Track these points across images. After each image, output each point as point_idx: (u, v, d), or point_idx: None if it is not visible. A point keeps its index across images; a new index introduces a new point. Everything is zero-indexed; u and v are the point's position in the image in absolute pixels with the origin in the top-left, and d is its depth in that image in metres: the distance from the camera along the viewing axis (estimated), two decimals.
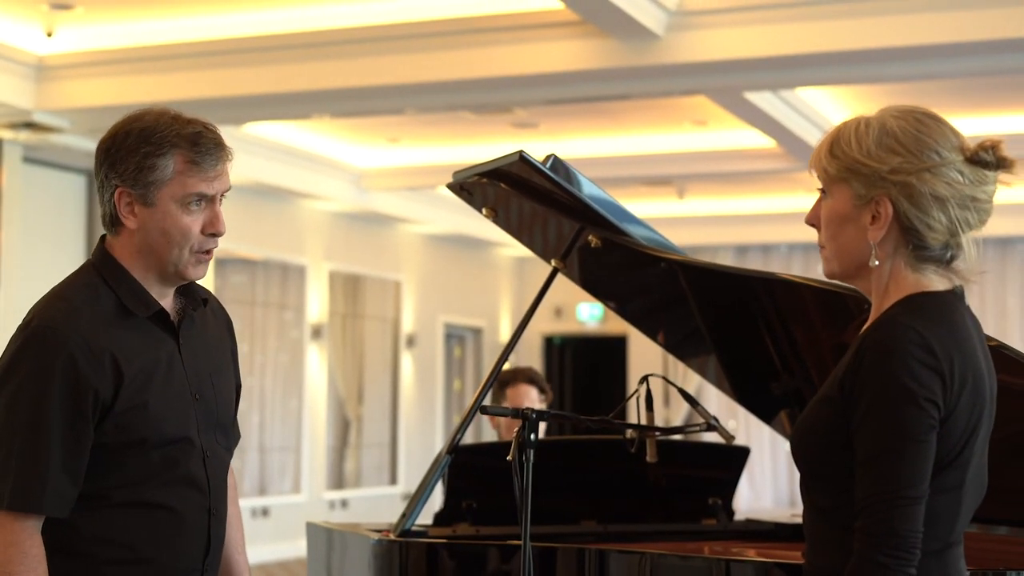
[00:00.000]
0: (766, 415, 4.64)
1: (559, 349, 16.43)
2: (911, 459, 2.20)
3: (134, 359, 2.65)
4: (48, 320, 2.62)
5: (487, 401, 4.30)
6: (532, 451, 3.30)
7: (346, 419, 13.72)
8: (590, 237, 3.90)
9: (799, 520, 4.90)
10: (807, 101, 10.22)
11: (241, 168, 11.14)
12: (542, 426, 5.04)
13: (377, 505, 13.49)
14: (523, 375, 5.02)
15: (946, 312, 2.32)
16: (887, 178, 2.31)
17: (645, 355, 15.22)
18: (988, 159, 2.32)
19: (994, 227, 2.46)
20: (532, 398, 5.09)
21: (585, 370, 16.20)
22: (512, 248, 15.76)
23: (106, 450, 2.61)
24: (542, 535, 3.86)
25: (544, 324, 16.30)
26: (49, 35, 8.83)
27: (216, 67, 9.09)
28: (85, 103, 9.32)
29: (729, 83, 8.78)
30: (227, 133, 9.86)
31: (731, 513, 4.62)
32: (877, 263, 2.35)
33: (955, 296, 2.36)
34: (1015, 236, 14.67)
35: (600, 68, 8.39)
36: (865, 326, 2.39)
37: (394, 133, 11.77)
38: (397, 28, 8.51)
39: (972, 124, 10.61)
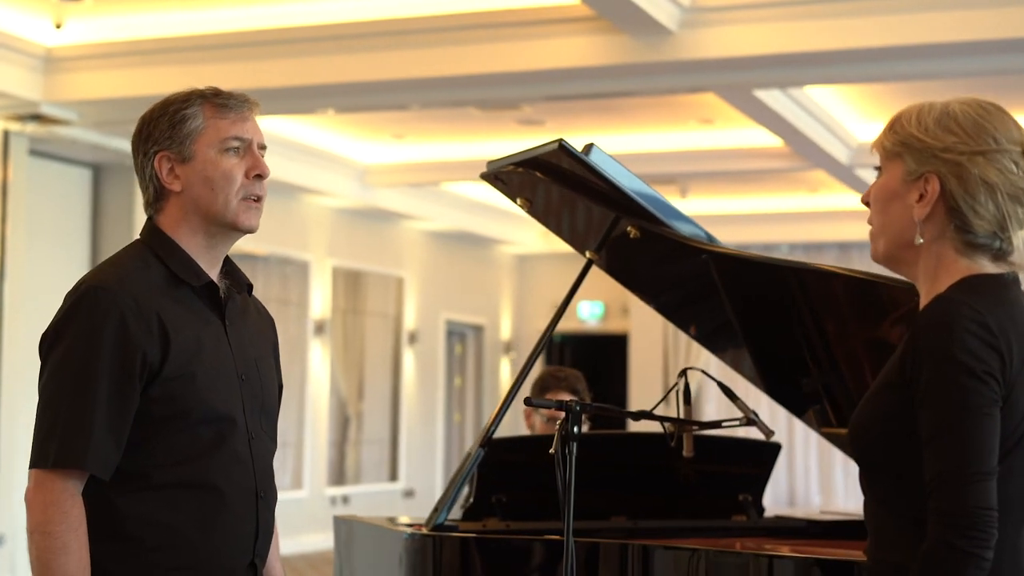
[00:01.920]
0: (797, 409, 4.61)
1: (559, 347, 16.39)
2: (977, 433, 2.15)
3: (183, 328, 2.64)
4: (99, 281, 2.62)
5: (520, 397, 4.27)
6: (575, 444, 3.27)
7: (347, 415, 13.69)
8: (629, 228, 3.86)
9: (829, 517, 4.90)
10: (816, 100, 10.19)
11: None
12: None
13: (378, 501, 13.45)
14: (566, 384, 4.91)
15: (1002, 292, 2.29)
16: (939, 156, 2.30)
17: (646, 353, 15.21)
18: None
19: None
20: None
21: (585, 368, 16.01)
22: (514, 246, 15.74)
23: (151, 422, 2.59)
24: (575, 530, 3.82)
25: (544, 321, 16.20)
26: (58, 27, 8.76)
27: (222, 61, 9.03)
28: (93, 95, 9.26)
29: (740, 80, 8.73)
30: None
31: (761, 509, 4.58)
32: (922, 240, 2.32)
33: (1010, 279, 2.32)
34: None
35: (612, 64, 8.35)
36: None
37: (399, 129, 11.72)
38: (405, 23, 8.46)
39: None
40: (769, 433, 3.81)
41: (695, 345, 15.09)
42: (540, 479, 4.31)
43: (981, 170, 2.28)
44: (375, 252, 13.75)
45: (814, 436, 12.76)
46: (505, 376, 16.05)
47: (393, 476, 14.30)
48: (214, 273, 2.76)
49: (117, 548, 2.59)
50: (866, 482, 2.35)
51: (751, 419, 3.75)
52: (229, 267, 2.82)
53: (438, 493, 14.93)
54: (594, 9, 7.80)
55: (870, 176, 12.02)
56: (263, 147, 2.77)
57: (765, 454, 4.60)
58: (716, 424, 3.80)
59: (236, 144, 2.70)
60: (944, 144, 2.30)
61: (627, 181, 3.78)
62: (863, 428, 2.34)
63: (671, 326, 15.64)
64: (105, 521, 2.57)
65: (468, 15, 8.31)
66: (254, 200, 2.72)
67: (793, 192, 13.98)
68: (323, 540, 11.88)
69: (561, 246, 16.01)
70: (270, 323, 2.96)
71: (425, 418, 14.73)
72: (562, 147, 3.62)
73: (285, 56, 8.88)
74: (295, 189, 12.19)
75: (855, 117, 10.79)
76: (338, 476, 13.45)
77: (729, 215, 15.11)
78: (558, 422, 3.26)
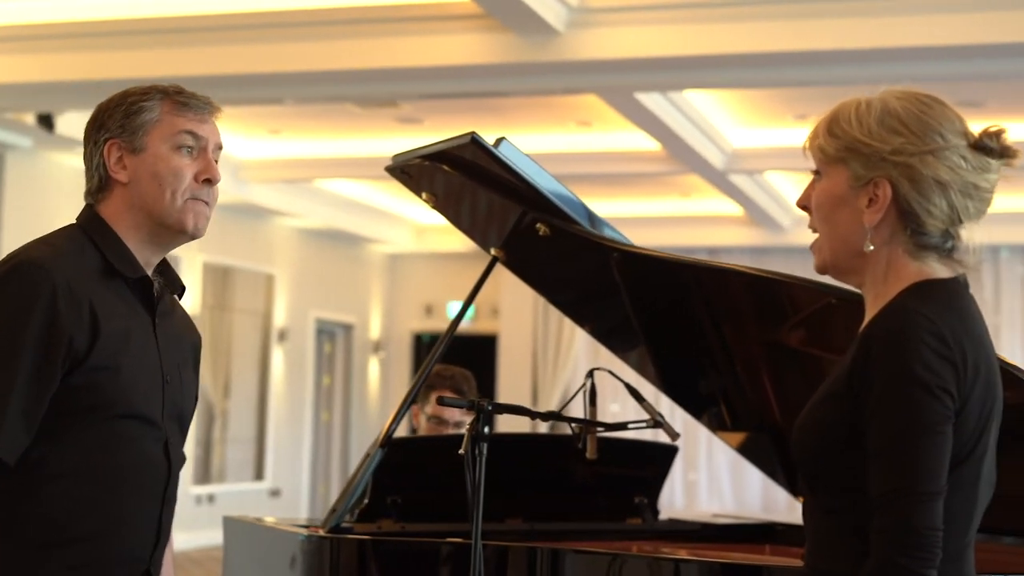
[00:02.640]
0: (695, 410, 4.60)
1: (428, 347, 16.30)
2: (928, 452, 2.08)
3: (113, 319, 2.52)
4: (32, 258, 2.49)
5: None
6: (485, 445, 3.20)
7: (212, 413, 13.46)
8: (539, 225, 3.80)
9: (722, 521, 4.89)
10: (694, 104, 10.25)
11: None
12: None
13: (243, 501, 13.23)
14: (451, 383, 4.86)
15: (955, 300, 2.22)
16: (888, 159, 2.21)
17: (515, 354, 15.20)
18: (992, 146, 2.23)
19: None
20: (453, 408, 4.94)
21: None
22: (385, 245, 15.62)
23: (68, 411, 2.46)
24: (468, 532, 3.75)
25: (413, 321, 16.18)
26: None
27: (91, 49, 8.82)
28: None
29: (623, 82, 8.74)
30: None
31: (656, 512, 4.56)
32: (872, 248, 2.24)
33: (961, 284, 2.26)
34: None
35: (498, 63, 8.30)
36: (865, 319, 2.31)
37: (275, 124, 11.54)
38: (286, 16, 8.32)
39: None
40: (675, 435, 3.78)
41: (564, 347, 15.20)
42: (435, 480, 4.25)
43: (932, 170, 2.20)
44: (246, 248, 13.53)
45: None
46: (374, 376, 15.92)
47: (259, 475, 14.09)
48: (149, 270, 2.66)
49: (3, 545, 2.45)
50: (808, 490, 2.28)
51: (657, 421, 3.72)
52: (163, 267, 2.72)
53: (305, 493, 14.77)
54: (483, 7, 7.73)
55: (743, 181, 12.16)
56: (219, 147, 2.68)
57: (661, 456, 4.58)
58: (622, 426, 3.76)
59: (190, 143, 2.62)
60: (892, 146, 2.21)
61: (539, 177, 3.72)
62: (806, 437, 2.26)
63: (540, 327, 15.73)
64: None
65: (356, 9, 8.20)
66: (202, 204, 2.63)
67: (665, 196, 14.05)
68: (188, 539, 11.65)
69: (433, 246, 15.89)
70: (194, 331, 2.86)
71: (293, 417, 14.55)
72: (474, 141, 3.56)
73: (157, 47, 8.69)
74: None
75: (731, 122, 10.88)
76: (203, 475, 13.20)
77: (606, 218, 15.10)
78: (466, 424, 3.20)
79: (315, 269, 14.75)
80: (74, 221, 2.68)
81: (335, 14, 8.28)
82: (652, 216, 14.75)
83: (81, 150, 2.72)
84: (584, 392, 3.67)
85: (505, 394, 15.01)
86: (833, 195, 2.29)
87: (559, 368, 15.03)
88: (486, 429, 3.21)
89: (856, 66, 8.13)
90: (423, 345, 16.27)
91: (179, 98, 2.63)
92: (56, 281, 2.45)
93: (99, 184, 2.64)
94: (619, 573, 3.42)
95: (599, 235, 3.80)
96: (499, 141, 3.65)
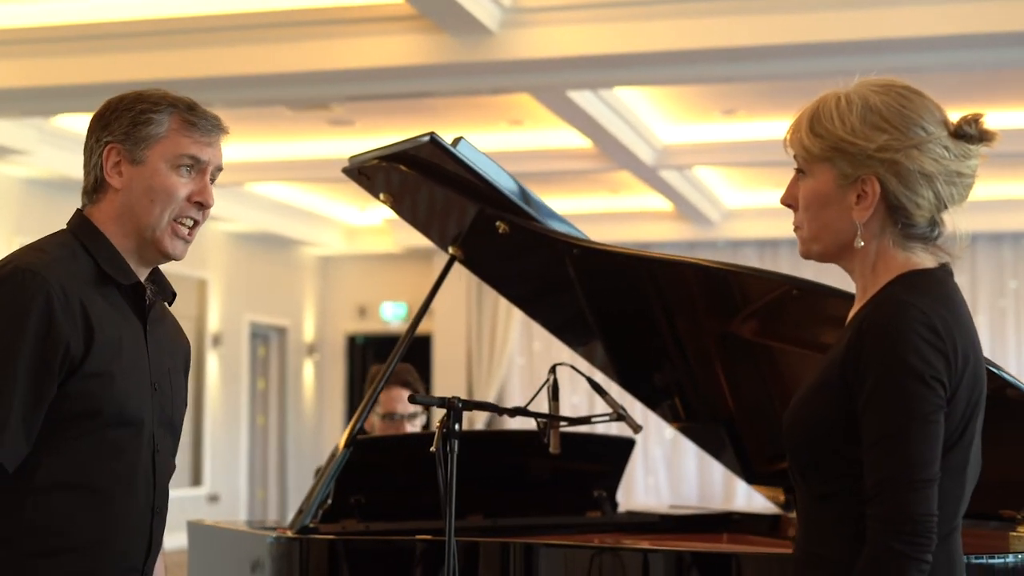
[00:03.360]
0: (650, 402, 4.66)
1: (362, 348, 16.30)
2: (922, 440, 2.14)
3: (107, 326, 2.52)
4: (27, 264, 2.49)
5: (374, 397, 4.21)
6: (456, 441, 3.24)
7: None
8: (498, 223, 3.84)
9: (678, 512, 4.96)
10: (624, 102, 10.33)
11: (46, 162, 10.74)
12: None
13: (182, 507, 13.10)
14: (397, 378, 4.91)
15: (942, 289, 2.28)
16: (874, 156, 2.26)
17: (449, 354, 15.22)
18: (972, 133, 2.29)
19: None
20: (405, 401, 4.99)
21: None
22: (316, 247, 15.59)
23: (62, 418, 2.46)
24: (434, 530, 3.79)
25: (347, 323, 16.16)
26: None
27: (23, 56, 8.73)
28: None
29: (556, 80, 8.79)
30: (34, 126, 9.51)
31: (615, 505, 4.62)
32: (863, 243, 2.30)
33: (946, 273, 2.32)
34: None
35: (433, 64, 8.33)
36: (854, 308, 2.36)
37: None
38: (224, 19, 8.30)
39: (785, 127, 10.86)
40: (637, 428, 3.84)
41: (498, 346, 15.24)
42: (398, 480, 4.29)
43: (917, 163, 2.25)
44: None
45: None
46: (309, 378, 15.88)
47: (196, 481, 14.00)
48: (142, 275, 2.66)
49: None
50: (800, 478, 2.33)
51: (620, 414, 3.78)
52: (155, 274, 2.72)
53: (243, 498, 14.69)
54: (417, 8, 7.76)
55: (673, 177, 12.26)
56: (219, 169, 2.67)
57: (619, 450, 4.64)
58: (586, 420, 3.82)
59: (189, 163, 2.61)
60: (877, 144, 2.26)
61: (497, 175, 3.77)
62: (798, 426, 2.31)
63: (474, 327, 15.76)
64: None
65: (290, 12, 8.19)
66: (188, 225, 2.63)
67: (595, 193, 14.12)
68: None
69: (364, 247, 15.82)
70: (185, 339, 2.86)
71: (229, 422, 14.48)
72: (433, 141, 3.59)
73: (87, 52, 8.62)
74: None
75: (661, 119, 10.97)
76: None
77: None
78: (419, 416, 3.23)
79: (248, 273, 14.69)
80: (64, 227, 2.67)
81: (268, 17, 8.27)
82: (582, 213, 14.81)
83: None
84: (547, 387, 3.71)
85: (440, 393, 15.03)
86: (821, 194, 2.33)
87: (494, 367, 15.07)
88: (456, 426, 3.24)
89: (782, 61, 8.25)
90: (357, 347, 16.25)
91: (189, 116, 2.62)
92: (51, 287, 2.45)
93: (94, 184, 2.63)
94: (594, 566, 3.47)
95: (557, 232, 3.85)
96: (457, 140, 3.69)
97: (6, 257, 2.56)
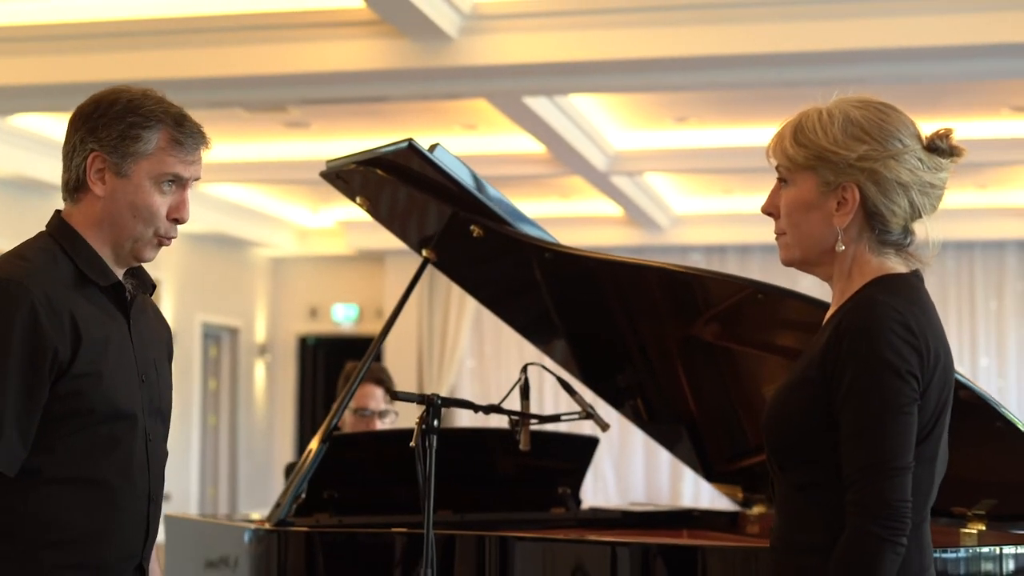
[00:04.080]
0: (615, 402, 4.79)
1: (312, 349, 16.35)
2: (897, 430, 2.30)
3: (92, 327, 2.61)
4: (8, 274, 2.56)
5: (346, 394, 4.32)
6: (435, 437, 3.36)
7: None
8: (472, 227, 3.96)
9: (639, 508, 5.09)
10: (578, 108, 10.47)
11: (6, 161, 10.75)
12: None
13: None
14: (371, 375, 5.03)
15: (914, 293, 2.44)
16: (855, 165, 2.41)
17: (400, 356, 15.29)
18: (943, 147, 2.46)
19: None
20: (378, 398, 5.12)
21: (339, 371, 16.06)
22: (268, 248, 15.62)
23: (53, 418, 2.55)
24: (403, 524, 3.90)
25: (298, 324, 16.20)
26: None
27: None
28: None
29: (513, 87, 8.92)
30: None
31: (578, 501, 4.75)
32: (843, 247, 2.45)
33: (918, 278, 2.48)
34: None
35: (392, 69, 8.43)
36: (830, 311, 2.51)
37: None
38: (189, 22, 8.37)
39: (734, 135, 11.08)
40: (605, 427, 3.97)
41: (448, 348, 15.33)
42: (371, 475, 4.40)
43: (895, 173, 2.41)
44: None
45: None
46: (260, 379, 15.92)
47: None
48: (120, 273, 2.73)
49: (6, 546, 2.55)
50: (779, 468, 2.48)
51: (589, 413, 3.92)
52: (135, 268, 2.80)
53: (194, 497, 14.70)
54: (378, 13, 7.87)
55: (624, 183, 12.41)
56: (197, 179, 2.74)
57: (583, 448, 4.77)
58: (555, 418, 3.95)
59: (171, 180, 2.67)
60: (858, 153, 2.41)
61: (471, 181, 3.89)
62: (778, 420, 2.47)
63: (425, 329, 15.83)
64: None
65: (252, 16, 8.27)
66: (165, 239, 2.72)
67: (545, 198, 14.25)
68: None
69: (316, 249, 15.79)
70: (166, 326, 2.94)
71: (180, 421, 14.47)
72: (412, 147, 3.71)
73: (43, 53, 8.65)
74: (50, 188, 11.84)
75: (613, 125, 11.12)
76: None
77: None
78: (390, 413, 3.34)
79: (200, 273, 14.71)
80: (44, 229, 2.74)
81: (233, 20, 8.34)
82: (533, 217, 14.93)
83: None
84: (519, 386, 3.84)
85: None
86: (803, 201, 2.48)
87: (444, 369, 15.17)
88: (435, 422, 3.36)
89: (733, 71, 8.42)
90: (308, 347, 16.29)
91: (177, 133, 2.67)
92: (35, 296, 2.53)
93: (75, 183, 2.69)
94: (568, 560, 3.61)
95: (530, 236, 3.98)
96: (434, 147, 3.81)
97: None
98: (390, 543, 3.80)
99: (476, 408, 3.64)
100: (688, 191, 13.68)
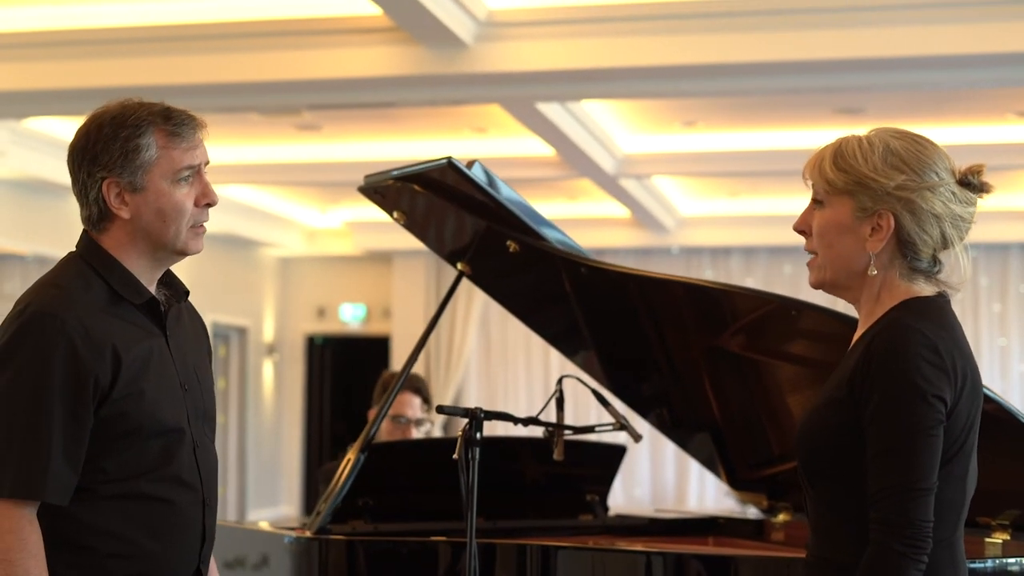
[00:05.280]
0: (642, 410, 4.88)
1: (320, 349, 16.42)
2: (922, 452, 2.38)
3: (130, 347, 2.65)
4: (44, 306, 2.60)
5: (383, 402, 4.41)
6: (477, 449, 3.45)
7: None
8: (509, 242, 4.04)
9: (665, 515, 5.19)
10: (589, 113, 10.56)
11: (19, 163, 10.83)
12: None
13: None
14: (409, 383, 5.10)
15: (943, 315, 2.53)
16: (892, 193, 2.49)
17: (407, 355, 15.34)
18: (975, 183, 2.55)
19: None
20: (415, 406, 5.19)
21: (347, 370, 16.22)
22: (276, 248, 15.69)
23: (102, 439, 2.61)
24: (440, 532, 3.99)
25: (306, 324, 16.27)
26: None
27: None
28: None
29: (527, 93, 9.01)
30: (6, 127, 9.55)
31: (606, 508, 4.84)
32: (875, 272, 2.54)
33: (945, 300, 2.57)
34: None
35: (409, 75, 8.51)
36: (859, 332, 2.59)
37: None
38: (207, 28, 8.45)
39: (741, 139, 11.18)
40: (638, 437, 4.06)
41: (456, 349, 15.40)
42: (407, 483, 4.48)
43: (930, 204, 2.50)
44: None
45: None
46: (268, 378, 15.99)
47: None
48: (153, 287, 2.77)
49: (71, 556, 2.63)
50: (809, 485, 2.57)
51: (622, 424, 4.01)
52: (168, 277, 2.85)
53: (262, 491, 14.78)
54: (395, 21, 7.95)
55: (632, 186, 12.49)
56: (207, 162, 2.79)
57: (611, 456, 4.86)
58: (590, 429, 4.05)
59: (188, 173, 2.72)
60: (896, 183, 2.49)
61: (508, 196, 3.98)
62: (809, 438, 2.55)
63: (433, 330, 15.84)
64: (59, 530, 2.61)
65: (274, 22, 8.35)
66: (200, 227, 2.77)
67: (552, 199, 14.32)
68: None
69: (324, 249, 15.81)
70: (203, 327, 2.98)
71: None
72: (451, 164, 3.79)
73: (58, 59, 8.72)
74: (63, 190, 11.91)
75: (623, 129, 11.21)
76: None
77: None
78: (426, 421, 3.43)
79: (209, 273, 14.77)
80: (74, 249, 2.77)
81: (247, 27, 8.41)
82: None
83: None
84: (554, 398, 3.93)
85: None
86: (838, 224, 2.56)
87: (451, 370, 15.25)
88: (478, 435, 3.45)
89: (742, 78, 8.53)
90: (316, 347, 16.36)
91: (170, 127, 2.69)
92: (71, 328, 2.57)
93: (99, 215, 2.71)
94: (609, 569, 3.70)
95: (566, 251, 4.06)
96: (471, 163, 3.89)
97: (24, 297, 2.66)
98: (432, 551, 3.88)
99: (516, 420, 3.73)
100: (694, 194, 13.77)
